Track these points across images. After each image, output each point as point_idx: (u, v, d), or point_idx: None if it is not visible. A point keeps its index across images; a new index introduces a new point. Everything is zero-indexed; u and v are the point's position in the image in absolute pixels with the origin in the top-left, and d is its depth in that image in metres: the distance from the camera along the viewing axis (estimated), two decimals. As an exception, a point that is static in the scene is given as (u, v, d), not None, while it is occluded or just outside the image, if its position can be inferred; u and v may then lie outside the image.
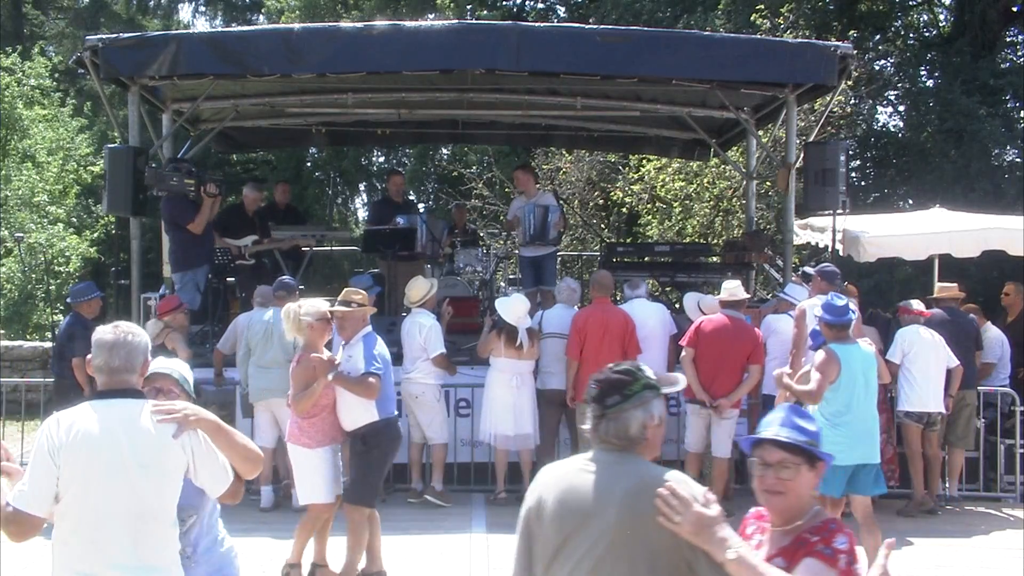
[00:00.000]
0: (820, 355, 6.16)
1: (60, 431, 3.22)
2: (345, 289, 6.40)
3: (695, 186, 16.57)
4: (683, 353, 7.89)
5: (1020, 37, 19.87)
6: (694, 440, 7.99)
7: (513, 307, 8.18)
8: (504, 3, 22.35)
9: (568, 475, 2.82)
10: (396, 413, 6.46)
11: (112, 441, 3.21)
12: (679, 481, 2.67)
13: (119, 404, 3.29)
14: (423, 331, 8.14)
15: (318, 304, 6.13)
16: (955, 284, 9.24)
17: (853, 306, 6.50)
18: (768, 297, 10.97)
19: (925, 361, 8.13)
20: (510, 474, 8.42)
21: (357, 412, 6.04)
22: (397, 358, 8.48)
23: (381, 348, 6.24)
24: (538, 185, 12.69)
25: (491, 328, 8.37)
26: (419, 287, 8.39)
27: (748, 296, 8.14)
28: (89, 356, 3.39)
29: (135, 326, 3.51)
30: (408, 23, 9.68)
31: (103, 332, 3.39)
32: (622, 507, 2.67)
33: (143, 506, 3.22)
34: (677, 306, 11.87)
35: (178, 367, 3.90)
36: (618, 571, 2.65)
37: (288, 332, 6.15)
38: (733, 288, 8.04)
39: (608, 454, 2.79)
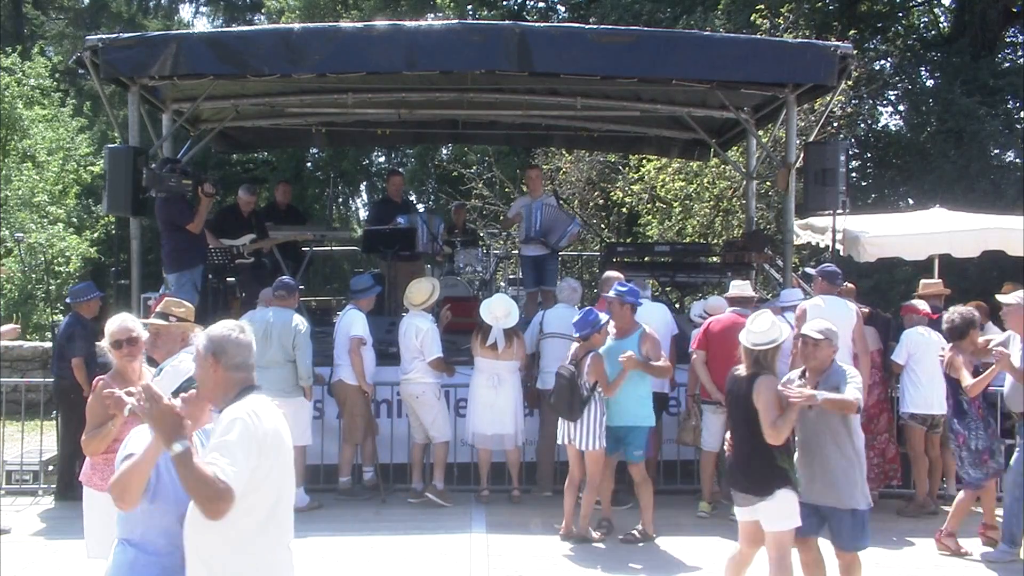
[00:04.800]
0: (651, 336, 7.25)
1: (262, 422, 3.29)
2: (166, 299, 5.48)
3: (695, 186, 16.57)
4: (694, 356, 7.90)
5: (1020, 37, 19.89)
6: (711, 439, 8.01)
7: (491, 307, 8.18)
8: (504, 3, 22.35)
9: None
10: None
11: (287, 436, 3.44)
12: None
13: (265, 400, 3.42)
14: (419, 335, 8.14)
15: (120, 321, 4.88)
16: (939, 281, 9.24)
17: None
18: (768, 297, 10.98)
19: (929, 363, 8.12)
20: (499, 473, 8.44)
21: None
22: (394, 358, 8.50)
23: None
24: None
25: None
26: (422, 291, 8.38)
27: (756, 296, 8.19)
28: (212, 354, 3.38)
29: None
30: (408, 23, 9.67)
31: (233, 330, 3.44)
32: None
33: (293, 498, 3.52)
34: (677, 306, 11.87)
35: None
36: None
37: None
38: (742, 285, 8.09)
39: None
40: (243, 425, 3.23)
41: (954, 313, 7.25)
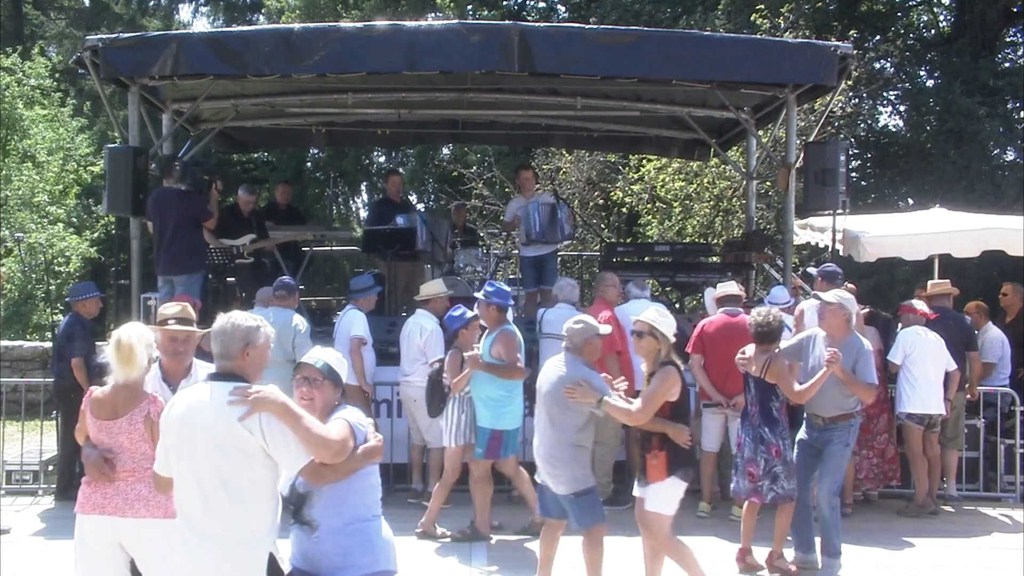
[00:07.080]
0: (504, 336, 6.98)
1: (169, 407, 3.76)
2: (180, 303, 5.06)
3: (695, 186, 16.57)
4: (691, 359, 7.89)
5: (1020, 37, 19.87)
6: (711, 441, 8.05)
7: None
8: (504, 3, 22.34)
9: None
10: None
11: (192, 420, 3.60)
12: None
13: (214, 386, 3.63)
14: (424, 334, 8.12)
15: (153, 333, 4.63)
16: (947, 281, 9.23)
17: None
18: (765, 297, 10.98)
19: (926, 363, 8.12)
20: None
21: None
22: (394, 358, 8.49)
23: None
24: (537, 186, 12.69)
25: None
26: (432, 285, 8.49)
27: (742, 294, 8.20)
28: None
29: (243, 315, 3.76)
30: (408, 23, 9.66)
31: (217, 321, 3.74)
32: None
33: (213, 480, 3.55)
34: (677, 306, 11.85)
35: (324, 356, 3.99)
36: None
37: (119, 370, 4.45)
38: (727, 285, 8.15)
39: None
40: None
41: (768, 315, 6.49)
